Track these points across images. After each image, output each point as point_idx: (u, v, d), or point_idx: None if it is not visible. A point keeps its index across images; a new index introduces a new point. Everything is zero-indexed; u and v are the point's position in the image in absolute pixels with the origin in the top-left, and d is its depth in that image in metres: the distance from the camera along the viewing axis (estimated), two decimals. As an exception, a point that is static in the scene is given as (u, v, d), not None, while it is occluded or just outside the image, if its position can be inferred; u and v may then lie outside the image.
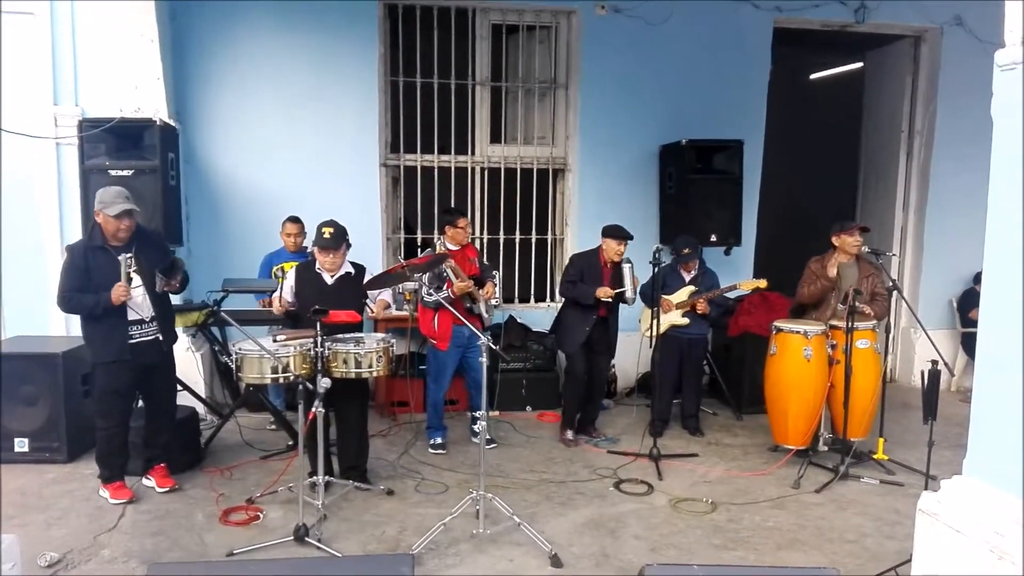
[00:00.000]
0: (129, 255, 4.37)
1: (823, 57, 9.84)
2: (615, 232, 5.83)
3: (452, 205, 6.72)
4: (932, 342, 5.06)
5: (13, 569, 2.84)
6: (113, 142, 5.66)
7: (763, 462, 5.59)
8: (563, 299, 6.13)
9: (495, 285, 5.83)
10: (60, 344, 5.52)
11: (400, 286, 6.31)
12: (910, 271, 8.20)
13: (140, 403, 4.93)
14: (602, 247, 5.85)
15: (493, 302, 5.85)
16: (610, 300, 5.72)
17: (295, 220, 6.26)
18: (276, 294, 4.82)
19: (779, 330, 5.51)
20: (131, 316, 4.52)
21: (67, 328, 6.12)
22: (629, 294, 5.71)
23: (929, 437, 4.33)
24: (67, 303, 4.50)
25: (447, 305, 4.89)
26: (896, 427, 6.07)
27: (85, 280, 4.41)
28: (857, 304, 5.25)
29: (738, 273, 6.77)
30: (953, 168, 7.80)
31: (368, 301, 4.86)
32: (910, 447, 5.71)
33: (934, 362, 4.39)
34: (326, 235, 4.73)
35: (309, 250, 5.90)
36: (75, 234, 5.92)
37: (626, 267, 5.71)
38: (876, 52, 8.57)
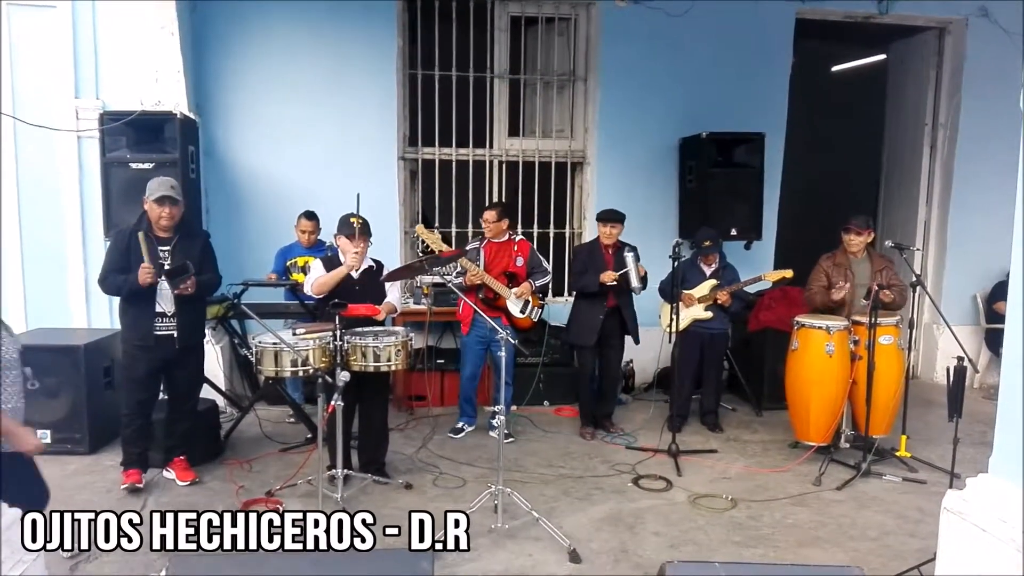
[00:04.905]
0: (140, 232, 4.44)
1: (845, 49, 9.72)
2: (602, 216, 5.89)
3: (471, 199, 6.72)
4: (956, 338, 4.99)
5: (37, 561, 2.86)
6: (134, 135, 5.68)
7: (783, 459, 5.55)
8: (575, 294, 6.13)
9: (532, 284, 5.80)
10: (82, 336, 5.57)
11: (418, 279, 6.37)
12: (933, 266, 8.11)
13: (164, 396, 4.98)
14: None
15: (524, 301, 5.78)
16: (615, 284, 5.67)
17: (311, 216, 6.26)
18: (308, 283, 4.84)
19: (801, 325, 5.45)
20: (157, 308, 4.57)
21: (89, 320, 6.18)
22: (635, 283, 5.63)
23: (954, 434, 4.28)
24: (103, 282, 4.62)
25: (458, 292, 4.98)
26: (918, 424, 6.00)
27: (124, 262, 4.48)
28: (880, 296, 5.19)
29: (759, 268, 6.70)
30: (977, 162, 7.72)
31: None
32: (932, 444, 5.65)
33: (960, 359, 4.32)
34: (357, 224, 4.74)
35: (328, 244, 5.92)
36: (97, 226, 5.98)
37: (628, 256, 5.64)
38: (899, 44, 8.46)
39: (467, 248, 5.82)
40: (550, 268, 6.13)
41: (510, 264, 5.78)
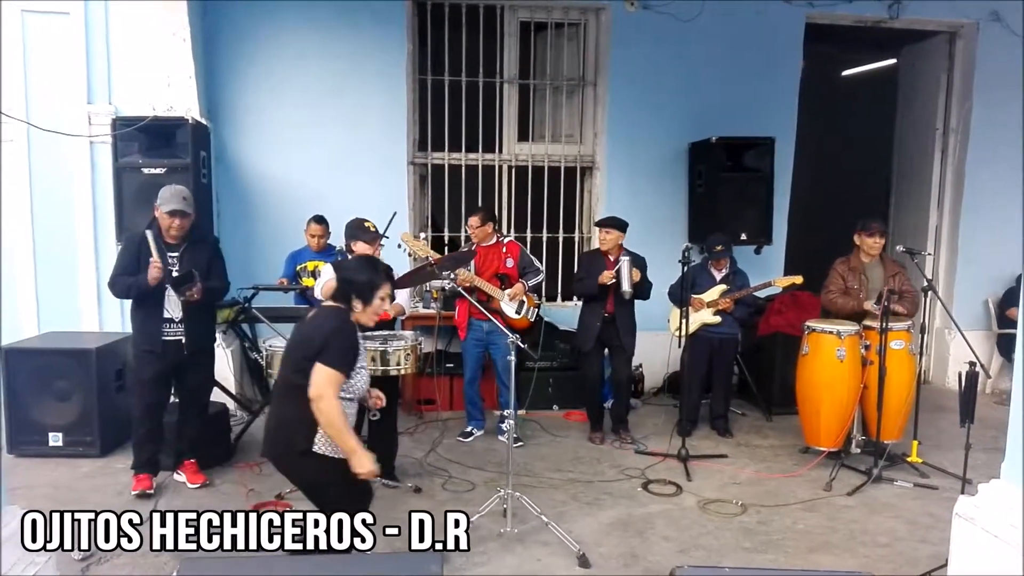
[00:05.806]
0: (149, 231, 4.51)
1: (856, 54, 9.68)
2: (599, 222, 5.96)
3: (479, 203, 6.75)
4: (968, 343, 4.96)
5: (48, 562, 2.87)
6: (146, 140, 5.72)
7: (794, 464, 5.52)
8: (580, 299, 6.15)
9: (525, 285, 5.81)
10: (94, 339, 5.60)
11: (427, 284, 6.38)
12: (944, 271, 8.06)
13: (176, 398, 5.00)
14: None
15: (520, 301, 5.80)
16: (613, 282, 5.64)
17: (320, 220, 6.28)
18: (318, 287, 4.87)
19: (812, 330, 5.44)
20: (164, 314, 4.60)
21: (100, 323, 6.22)
22: (625, 286, 5.58)
23: (966, 440, 4.25)
24: (112, 285, 4.66)
25: (463, 292, 5.03)
26: (930, 429, 5.95)
27: (134, 266, 4.53)
28: (891, 305, 5.16)
29: (769, 273, 6.70)
30: (988, 166, 7.70)
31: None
32: (944, 450, 5.61)
33: (971, 364, 4.30)
34: (371, 229, 4.77)
35: (338, 248, 5.93)
36: (109, 231, 6.03)
37: (624, 259, 5.63)
38: (910, 48, 8.43)
39: (458, 253, 5.87)
40: (542, 267, 6.13)
41: (500, 266, 5.81)
